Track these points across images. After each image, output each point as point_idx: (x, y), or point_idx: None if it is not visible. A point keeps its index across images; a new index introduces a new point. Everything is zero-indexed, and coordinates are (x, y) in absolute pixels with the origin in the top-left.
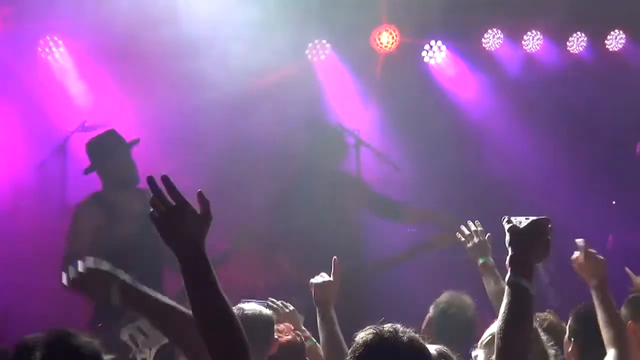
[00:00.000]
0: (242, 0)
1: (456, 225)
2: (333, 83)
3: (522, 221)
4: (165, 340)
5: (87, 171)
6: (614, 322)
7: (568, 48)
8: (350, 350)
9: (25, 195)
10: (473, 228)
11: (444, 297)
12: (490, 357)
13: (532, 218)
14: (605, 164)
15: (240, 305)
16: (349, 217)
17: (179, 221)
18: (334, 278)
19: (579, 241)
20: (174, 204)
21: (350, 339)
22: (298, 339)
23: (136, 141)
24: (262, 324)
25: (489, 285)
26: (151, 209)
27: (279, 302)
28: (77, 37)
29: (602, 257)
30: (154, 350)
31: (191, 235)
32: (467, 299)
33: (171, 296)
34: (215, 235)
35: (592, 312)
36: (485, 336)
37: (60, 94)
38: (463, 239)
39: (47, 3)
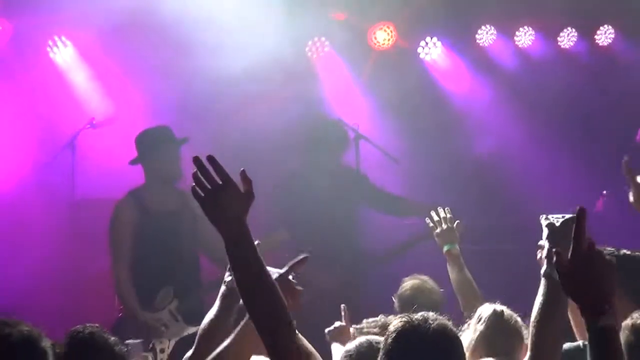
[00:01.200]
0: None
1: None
2: (332, 79)
3: (559, 219)
4: (185, 333)
5: (132, 162)
6: None
7: (559, 43)
8: (383, 339)
9: (36, 190)
10: (442, 215)
11: (407, 286)
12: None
13: (567, 215)
14: (597, 154)
15: None
16: (349, 209)
17: (224, 198)
18: (346, 323)
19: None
20: (220, 182)
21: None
22: None
23: (185, 140)
24: None
25: (453, 272)
26: (193, 186)
27: None
28: (84, 37)
29: None
30: (172, 342)
31: (235, 212)
32: (430, 283)
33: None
34: None
35: None
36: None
37: (68, 92)
38: (432, 224)
39: (54, 4)
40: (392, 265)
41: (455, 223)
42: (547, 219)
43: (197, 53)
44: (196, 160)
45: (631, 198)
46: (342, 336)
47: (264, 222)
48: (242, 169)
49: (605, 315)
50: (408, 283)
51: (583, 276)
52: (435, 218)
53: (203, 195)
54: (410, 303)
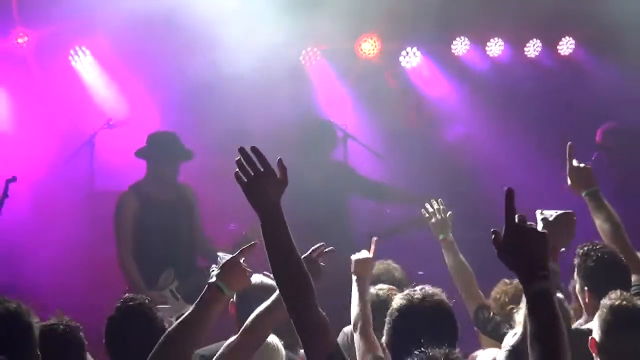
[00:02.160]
0: (248, 12)
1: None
2: (324, 85)
3: (552, 214)
4: (184, 310)
5: (138, 154)
6: (612, 221)
7: (525, 53)
8: (387, 314)
9: (59, 182)
10: (436, 206)
11: (375, 269)
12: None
13: (560, 212)
14: (557, 149)
15: None
16: (339, 200)
17: (265, 184)
18: (372, 255)
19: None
20: (262, 169)
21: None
22: None
23: (191, 154)
24: (266, 291)
25: (449, 258)
26: (237, 172)
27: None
28: (102, 46)
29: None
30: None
31: (273, 196)
32: (392, 263)
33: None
34: (227, 218)
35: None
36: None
37: (87, 96)
38: (427, 215)
39: (75, 18)
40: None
41: (448, 213)
42: (542, 214)
43: (204, 61)
44: (241, 150)
45: (568, 181)
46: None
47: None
48: (279, 157)
49: (539, 281)
50: (375, 267)
51: (514, 247)
52: (430, 210)
53: (246, 180)
54: (377, 281)
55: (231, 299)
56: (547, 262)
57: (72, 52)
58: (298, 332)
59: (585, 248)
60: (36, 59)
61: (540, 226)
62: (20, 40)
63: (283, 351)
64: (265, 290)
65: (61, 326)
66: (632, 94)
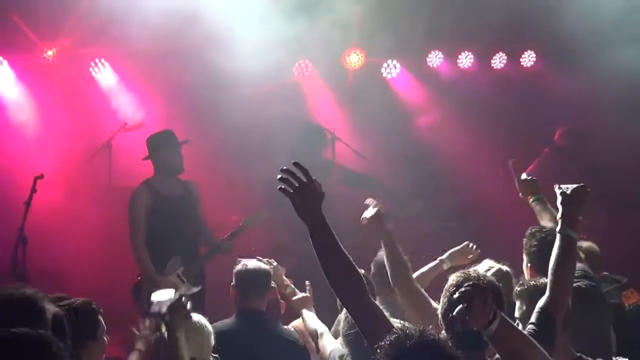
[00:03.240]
0: (250, 31)
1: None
2: (314, 93)
3: (569, 187)
4: (189, 292)
5: (145, 158)
6: (555, 221)
7: (492, 64)
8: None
9: (81, 179)
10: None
11: (381, 253)
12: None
13: (575, 185)
14: (519, 148)
15: (244, 261)
16: (328, 192)
17: (309, 194)
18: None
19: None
20: (306, 181)
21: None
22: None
23: (186, 141)
24: (263, 276)
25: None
26: (281, 186)
27: (265, 260)
28: (119, 60)
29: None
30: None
31: (316, 204)
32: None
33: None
34: (228, 210)
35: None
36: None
37: (106, 103)
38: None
39: (96, 35)
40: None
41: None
42: (559, 187)
43: (209, 74)
44: (295, 164)
45: (518, 191)
46: (306, 304)
47: (258, 203)
48: (314, 177)
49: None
50: (381, 252)
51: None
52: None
53: (292, 191)
54: (383, 265)
55: (232, 283)
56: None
57: (92, 64)
58: (357, 322)
59: (533, 229)
60: (61, 70)
61: (559, 200)
62: (47, 55)
63: (210, 328)
64: (263, 275)
65: (79, 305)
66: (585, 101)
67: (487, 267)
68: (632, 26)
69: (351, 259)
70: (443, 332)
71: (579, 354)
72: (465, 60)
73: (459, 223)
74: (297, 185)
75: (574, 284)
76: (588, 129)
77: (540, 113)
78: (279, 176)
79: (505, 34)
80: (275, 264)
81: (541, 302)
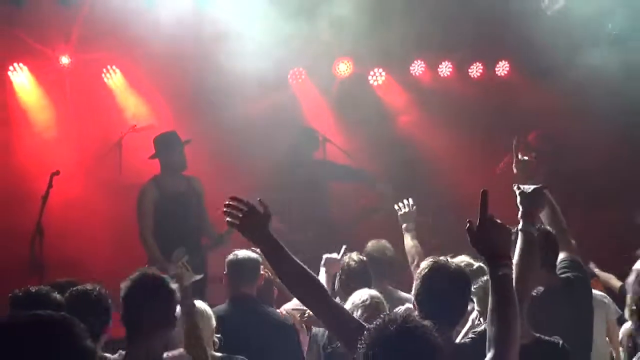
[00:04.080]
0: (249, 42)
1: (392, 194)
2: (307, 99)
3: (529, 187)
4: (193, 280)
5: (152, 157)
6: (552, 207)
7: (469, 73)
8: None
9: (94, 176)
10: (406, 202)
11: (370, 244)
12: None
13: (534, 186)
14: (494, 150)
15: (235, 252)
16: (320, 188)
17: (253, 220)
18: (339, 257)
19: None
20: (246, 208)
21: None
22: (266, 274)
23: (188, 141)
24: (252, 264)
25: (407, 241)
26: (228, 219)
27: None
28: (129, 66)
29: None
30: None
31: (261, 228)
32: (386, 243)
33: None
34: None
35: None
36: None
37: (117, 106)
38: (397, 208)
39: (108, 44)
40: (352, 230)
41: (414, 208)
42: (519, 188)
43: (211, 79)
44: (228, 203)
45: (514, 171)
46: (332, 267)
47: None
48: (258, 198)
49: (503, 267)
50: (370, 243)
51: (485, 238)
52: (401, 205)
53: (238, 223)
54: (370, 256)
55: (224, 271)
56: (509, 252)
57: (104, 70)
58: (322, 322)
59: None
60: (75, 76)
61: (518, 199)
62: (63, 61)
63: (210, 312)
64: (252, 263)
65: (94, 292)
66: (555, 106)
67: (466, 263)
68: (598, 35)
69: (306, 268)
70: (416, 312)
71: (537, 335)
72: (445, 69)
73: (439, 218)
74: (240, 216)
75: (564, 275)
76: (558, 131)
77: (514, 117)
78: (224, 209)
79: (481, 46)
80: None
81: None
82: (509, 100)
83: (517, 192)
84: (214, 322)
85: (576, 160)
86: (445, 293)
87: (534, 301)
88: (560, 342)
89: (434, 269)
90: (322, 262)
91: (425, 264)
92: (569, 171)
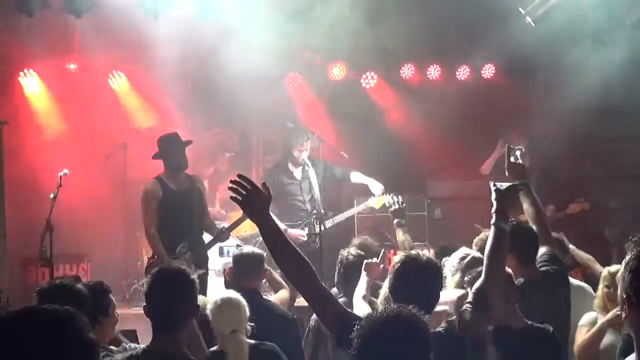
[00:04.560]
0: (248, 48)
1: (383, 193)
2: (303, 100)
3: (503, 185)
4: (196, 274)
5: (155, 157)
6: (536, 206)
7: (457, 76)
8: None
9: (101, 174)
10: (396, 199)
11: (356, 241)
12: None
13: (509, 183)
14: (479, 146)
15: (241, 247)
16: (313, 185)
17: (254, 199)
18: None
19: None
20: (250, 189)
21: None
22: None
23: (189, 142)
24: (256, 259)
25: (398, 236)
26: (232, 195)
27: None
28: (133, 71)
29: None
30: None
31: (261, 207)
32: (370, 240)
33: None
34: (232, 203)
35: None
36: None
37: (121, 109)
38: (388, 205)
39: (113, 50)
40: (343, 223)
41: (404, 205)
42: (494, 185)
43: (213, 83)
44: (234, 179)
45: (507, 173)
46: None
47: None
48: (263, 181)
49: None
50: (356, 240)
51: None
52: (391, 201)
53: (241, 199)
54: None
55: (230, 266)
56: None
57: (110, 75)
58: (309, 303)
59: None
60: (83, 81)
61: (493, 195)
62: (71, 67)
63: (244, 301)
64: (256, 258)
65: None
66: (535, 106)
67: (462, 254)
68: (576, 40)
69: (300, 252)
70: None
71: (529, 322)
72: (434, 72)
73: (428, 212)
74: (244, 193)
75: (543, 268)
76: (538, 130)
77: (497, 116)
78: (229, 186)
79: (468, 50)
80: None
81: (477, 284)
82: (495, 101)
83: (493, 188)
84: (247, 311)
85: (548, 155)
86: (418, 284)
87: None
88: (551, 329)
89: (406, 262)
90: (363, 267)
91: (397, 258)
92: (540, 165)
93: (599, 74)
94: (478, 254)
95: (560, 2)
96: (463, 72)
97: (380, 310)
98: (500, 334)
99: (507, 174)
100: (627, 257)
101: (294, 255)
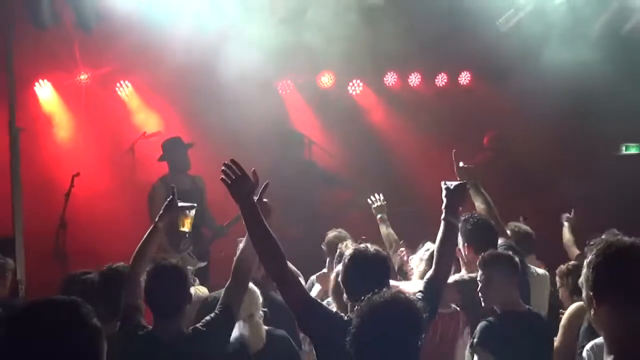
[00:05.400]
0: (244, 53)
1: (369, 191)
2: (295, 107)
3: (453, 184)
4: (198, 266)
5: (160, 159)
6: (487, 204)
7: (436, 83)
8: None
9: (111, 177)
10: (377, 197)
11: (331, 235)
12: (427, 268)
13: (457, 182)
14: (457, 150)
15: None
16: (306, 186)
17: (242, 183)
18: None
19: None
20: (240, 174)
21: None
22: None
23: (191, 144)
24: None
25: (382, 229)
26: (222, 177)
27: None
28: (139, 81)
29: (469, 165)
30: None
31: (247, 191)
32: (344, 232)
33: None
34: (228, 202)
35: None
36: (424, 254)
37: (129, 115)
38: (370, 202)
39: (120, 62)
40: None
41: (384, 202)
42: (445, 184)
43: (211, 89)
44: (231, 161)
45: (457, 177)
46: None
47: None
48: (253, 169)
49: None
50: (331, 234)
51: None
52: (373, 199)
53: (230, 182)
54: (334, 244)
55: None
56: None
57: (118, 85)
58: (277, 284)
59: (466, 215)
60: (93, 90)
61: (444, 193)
62: (81, 77)
63: (258, 290)
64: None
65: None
66: (508, 109)
67: (427, 248)
68: (545, 45)
69: (275, 237)
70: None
71: (528, 307)
72: (414, 79)
73: (408, 208)
74: (233, 177)
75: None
76: (511, 132)
77: (475, 120)
78: (221, 169)
79: (446, 58)
80: None
81: (428, 275)
82: (471, 105)
83: (443, 187)
84: (260, 298)
85: (525, 156)
86: (367, 275)
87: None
88: (543, 313)
89: (355, 255)
90: (315, 278)
91: (347, 252)
92: (513, 164)
93: (568, 77)
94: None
95: (531, 13)
96: (441, 79)
97: (379, 293)
98: (507, 317)
99: (457, 177)
100: (589, 258)
101: (270, 240)
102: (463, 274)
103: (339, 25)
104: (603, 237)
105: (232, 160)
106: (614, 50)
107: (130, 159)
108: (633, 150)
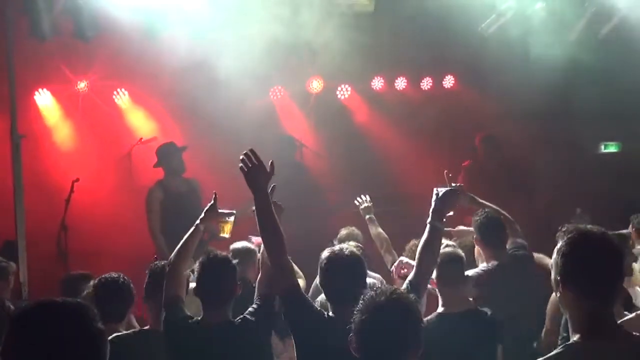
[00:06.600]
0: (238, 60)
1: (358, 191)
2: (286, 112)
3: (442, 189)
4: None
5: (155, 166)
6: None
7: (421, 86)
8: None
9: (110, 180)
10: (364, 198)
11: (342, 231)
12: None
13: (447, 188)
14: (441, 152)
15: (235, 243)
16: (300, 188)
17: (258, 173)
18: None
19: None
20: (257, 163)
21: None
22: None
23: (185, 147)
24: (250, 254)
25: (372, 230)
26: (240, 165)
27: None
28: (135, 89)
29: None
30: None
31: (263, 181)
32: (355, 229)
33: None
34: (226, 202)
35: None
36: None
37: (126, 122)
38: (358, 203)
39: (117, 71)
40: (328, 220)
41: (371, 203)
42: (436, 189)
43: (206, 95)
44: (246, 152)
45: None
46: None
47: (248, 198)
48: (271, 160)
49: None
50: (343, 231)
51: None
52: (360, 200)
53: (247, 170)
54: (344, 241)
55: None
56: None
57: (115, 93)
58: (274, 268)
59: (479, 212)
60: (91, 98)
61: (434, 198)
62: (80, 86)
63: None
64: (248, 252)
65: (121, 279)
66: (494, 112)
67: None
68: (526, 48)
69: (280, 227)
70: (322, 295)
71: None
72: (400, 83)
73: (399, 208)
74: (250, 165)
75: (514, 253)
76: (498, 133)
77: (460, 123)
78: (240, 157)
79: (430, 63)
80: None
81: (410, 276)
82: (455, 108)
83: (434, 192)
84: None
85: (514, 156)
86: (344, 275)
87: (489, 273)
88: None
89: (331, 257)
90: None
91: (323, 255)
92: (508, 165)
93: (548, 79)
94: (453, 243)
95: (512, 18)
96: (427, 83)
97: (380, 291)
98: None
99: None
100: (559, 245)
101: (276, 231)
102: (482, 266)
103: (328, 31)
104: (573, 223)
105: (251, 150)
106: (592, 52)
107: (127, 164)
108: (612, 149)
